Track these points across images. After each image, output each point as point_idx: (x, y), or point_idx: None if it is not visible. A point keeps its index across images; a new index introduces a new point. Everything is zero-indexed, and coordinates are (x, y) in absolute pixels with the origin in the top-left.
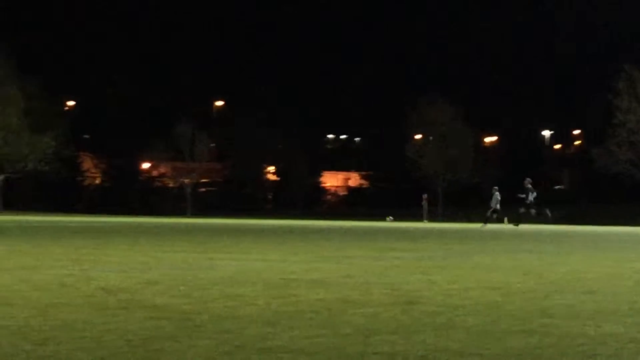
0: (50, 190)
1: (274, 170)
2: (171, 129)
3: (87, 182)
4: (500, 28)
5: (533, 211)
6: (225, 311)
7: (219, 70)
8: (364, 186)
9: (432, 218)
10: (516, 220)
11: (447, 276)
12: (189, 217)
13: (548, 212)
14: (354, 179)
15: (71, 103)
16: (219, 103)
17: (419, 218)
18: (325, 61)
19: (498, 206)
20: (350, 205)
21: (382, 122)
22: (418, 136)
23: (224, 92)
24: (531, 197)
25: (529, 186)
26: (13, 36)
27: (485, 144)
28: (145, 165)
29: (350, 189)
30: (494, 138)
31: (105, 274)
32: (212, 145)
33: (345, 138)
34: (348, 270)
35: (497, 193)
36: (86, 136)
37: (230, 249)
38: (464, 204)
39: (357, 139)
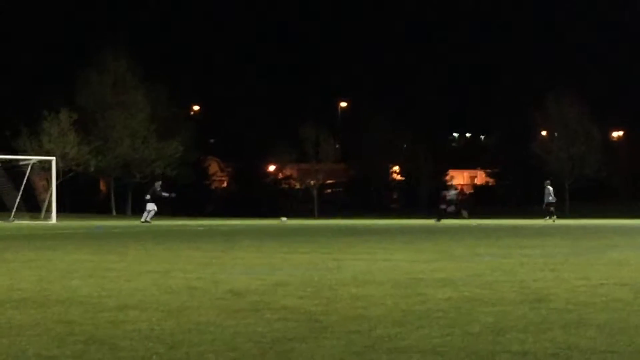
0: (178, 195)
1: (399, 170)
2: (297, 130)
3: (214, 186)
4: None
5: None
6: (353, 311)
7: (344, 71)
8: (490, 184)
9: (561, 214)
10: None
11: (575, 273)
12: (315, 218)
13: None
14: (480, 177)
15: (196, 108)
16: (344, 104)
17: (547, 215)
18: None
19: (551, 199)
20: (477, 203)
21: (508, 120)
22: (544, 133)
23: (349, 92)
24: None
25: (549, 187)
26: (138, 43)
27: (613, 139)
28: (272, 168)
29: (477, 187)
30: (621, 133)
31: (234, 276)
32: (337, 146)
33: (470, 136)
34: (475, 269)
35: (550, 187)
36: (212, 140)
37: (356, 249)
38: (592, 199)
39: (482, 136)
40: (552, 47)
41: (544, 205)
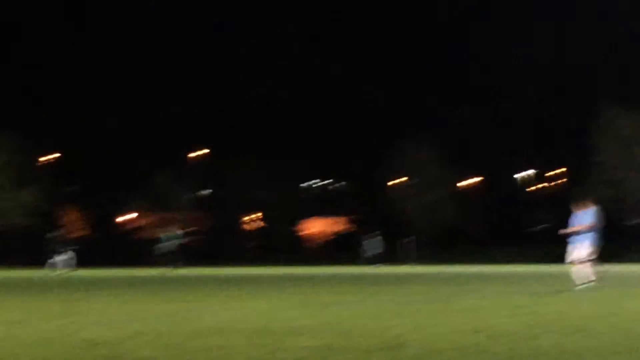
0: (30, 244)
1: (257, 218)
2: (152, 180)
3: (71, 235)
4: (478, 71)
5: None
6: None
7: (200, 120)
8: (348, 231)
9: (416, 261)
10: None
11: (432, 319)
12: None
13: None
14: (338, 224)
15: (53, 156)
16: (201, 152)
17: (403, 261)
18: (305, 104)
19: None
20: (335, 250)
21: (365, 167)
22: (399, 180)
23: (206, 141)
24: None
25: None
26: None
27: (466, 187)
28: (129, 217)
29: (335, 234)
30: (475, 179)
31: (91, 326)
32: (194, 194)
33: (328, 183)
34: (333, 317)
35: (374, 240)
36: (70, 188)
37: (214, 298)
38: (447, 245)
39: (339, 184)
40: (407, 94)
41: (366, 256)
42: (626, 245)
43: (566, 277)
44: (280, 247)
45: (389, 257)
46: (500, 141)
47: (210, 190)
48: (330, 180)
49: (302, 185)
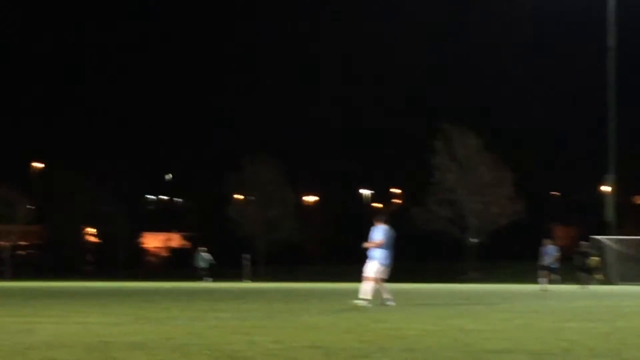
0: None
1: (95, 232)
2: None
3: None
4: (314, 88)
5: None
6: None
7: (39, 132)
8: (185, 247)
9: (254, 278)
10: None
11: (268, 336)
12: (7, 280)
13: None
14: (175, 240)
15: None
16: (38, 165)
17: (241, 278)
18: (147, 118)
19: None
20: (172, 266)
21: (205, 183)
22: (239, 197)
23: (43, 154)
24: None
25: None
26: None
27: (306, 204)
28: None
29: (172, 250)
30: (315, 198)
31: None
32: (30, 207)
33: (167, 199)
34: (169, 332)
35: (204, 254)
36: None
37: (49, 312)
38: (286, 263)
39: (178, 199)
40: (244, 111)
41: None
42: (467, 264)
43: (404, 294)
44: (119, 261)
45: (225, 273)
46: (343, 159)
47: (50, 203)
48: (167, 197)
49: (144, 199)
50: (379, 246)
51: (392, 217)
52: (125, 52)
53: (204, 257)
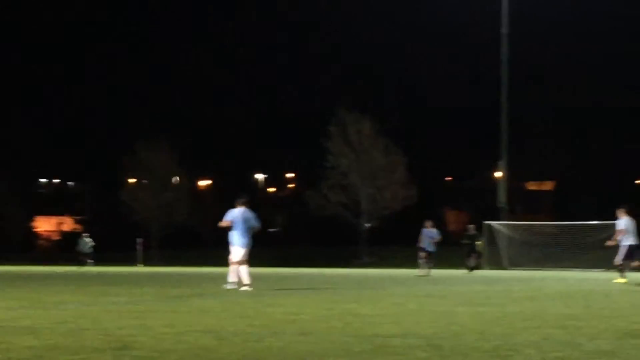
0: None
1: None
2: None
3: None
4: (222, 71)
5: None
6: None
7: None
8: (78, 230)
9: (148, 262)
10: None
11: (160, 320)
12: None
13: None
14: (68, 224)
15: None
16: None
17: (134, 262)
18: (43, 100)
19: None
20: (64, 250)
21: (99, 167)
22: (133, 180)
23: None
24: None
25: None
26: None
27: (200, 188)
28: None
29: (64, 234)
30: (209, 182)
31: None
32: None
33: (59, 182)
34: (60, 316)
35: (86, 239)
36: None
37: None
38: (181, 247)
39: (70, 183)
40: (139, 95)
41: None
42: (361, 248)
43: (298, 279)
44: (12, 245)
45: (119, 257)
46: (235, 143)
47: None
48: (60, 180)
49: (38, 183)
50: (229, 227)
51: (286, 202)
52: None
53: (86, 242)
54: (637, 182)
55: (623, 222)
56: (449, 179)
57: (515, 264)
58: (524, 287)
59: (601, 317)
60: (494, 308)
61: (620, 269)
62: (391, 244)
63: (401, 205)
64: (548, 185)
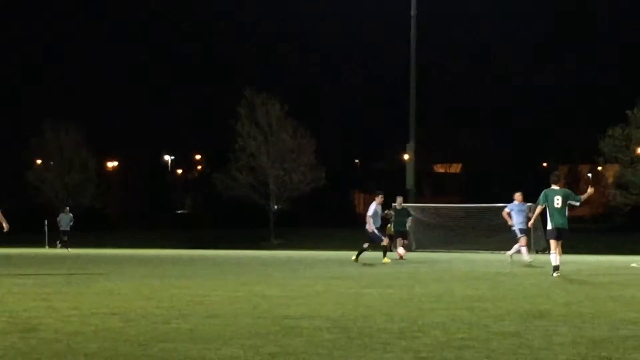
0: None
1: None
2: None
3: None
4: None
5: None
6: None
7: None
8: None
9: (54, 244)
10: None
11: (67, 302)
12: None
13: None
14: None
15: None
16: None
17: (42, 244)
18: None
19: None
20: None
21: (5, 147)
22: (39, 161)
23: None
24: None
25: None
26: None
27: (108, 169)
28: None
29: None
30: (115, 163)
31: None
32: None
33: None
34: None
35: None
36: None
37: None
38: (89, 229)
39: None
40: (48, 75)
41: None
42: (269, 230)
43: (206, 261)
44: None
45: (26, 239)
46: (143, 125)
47: None
48: None
49: None
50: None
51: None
52: None
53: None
54: (544, 164)
55: (513, 206)
56: (358, 161)
57: (422, 246)
58: (431, 268)
59: (507, 299)
60: (401, 290)
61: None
62: (300, 226)
63: (310, 188)
64: (456, 168)
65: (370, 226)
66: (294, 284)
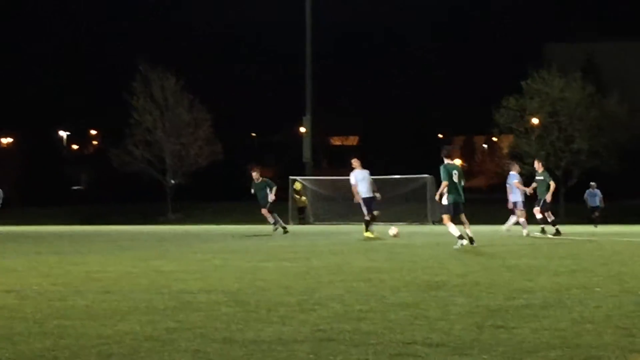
0: None
1: None
2: None
3: None
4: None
5: None
6: None
7: None
8: None
9: None
10: None
11: None
12: None
13: None
14: None
15: None
16: None
17: None
18: None
19: None
20: None
21: None
22: None
23: None
24: None
25: None
26: None
27: (2, 145)
28: None
29: None
30: (10, 140)
31: None
32: None
33: None
34: None
35: None
36: None
37: None
38: None
39: None
40: None
41: None
42: (167, 205)
43: (103, 237)
44: None
45: None
46: (37, 100)
47: None
48: None
49: None
50: None
51: (90, 159)
52: None
53: None
54: (440, 136)
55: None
56: (254, 135)
57: (320, 219)
58: (329, 241)
59: (404, 270)
60: (299, 263)
61: (367, 222)
62: (197, 200)
63: (207, 162)
64: (352, 140)
65: (357, 197)
66: (191, 259)
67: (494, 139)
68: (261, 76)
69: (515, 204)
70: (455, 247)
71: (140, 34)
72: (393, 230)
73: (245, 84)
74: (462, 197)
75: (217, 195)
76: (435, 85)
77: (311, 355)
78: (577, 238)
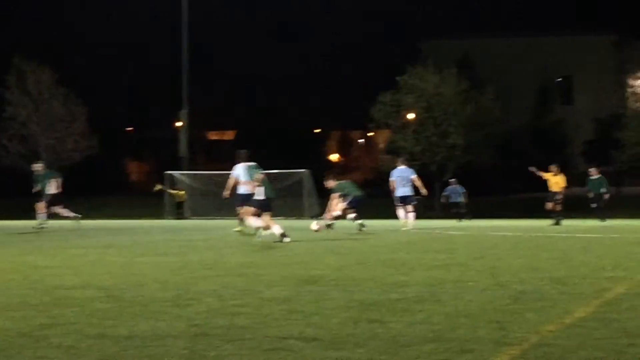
0: None
1: None
2: None
3: None
4: None
5: None
6: None
7: None
8: None
9: None
10: None
11: None
12: None
13: None
14: None
15: None
16: None
17: None
18: None
19: None
20: None
21: None
22: None
23: None
24: None
25: None
26: None
27: None
28: None
29: None
30: None
31: None
32: None
33: None
34: None
35: None
36: None
37: None
38: None
39: None
40: None
41: None
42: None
43: None
44: None
45: None
46: None
47: None
48: None
49: None
50: None
51: None
52: None
53: None
54: (316, 130)
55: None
56: (131, 129)
57: (196, 214)
58: (205, 236)
59: (280, 265)
60: (175, 258)
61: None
62: (72, 195)
63: (82, 156)
64: (229, 135)
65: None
66: (65, 254)
67: (370, 134)
68: (139, 69)
69: (405, 198)
70: (258, 238)
71: (16, 28)
72: (315, 225)
73: (122, 78)
74: (273, 193)
75: (92, 190)
76: (313, 80)
77: (185, 351)
78: (453, 232)
